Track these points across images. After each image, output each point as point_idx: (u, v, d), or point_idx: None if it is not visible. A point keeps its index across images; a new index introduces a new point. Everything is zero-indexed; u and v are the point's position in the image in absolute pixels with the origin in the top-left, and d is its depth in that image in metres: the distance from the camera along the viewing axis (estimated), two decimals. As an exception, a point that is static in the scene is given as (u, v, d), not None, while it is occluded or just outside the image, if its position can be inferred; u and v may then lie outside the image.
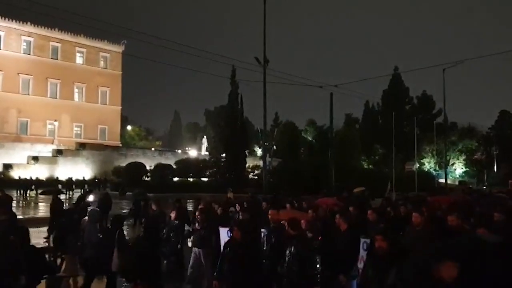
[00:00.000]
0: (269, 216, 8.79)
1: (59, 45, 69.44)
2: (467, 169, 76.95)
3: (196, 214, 10.40)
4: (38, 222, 18.67)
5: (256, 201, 15.12)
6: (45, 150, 58.79)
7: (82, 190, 39.25)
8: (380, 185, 35.29)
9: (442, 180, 59.89)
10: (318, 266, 6.85)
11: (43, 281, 7.39)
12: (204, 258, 9.48)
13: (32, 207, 30.77)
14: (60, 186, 45.14)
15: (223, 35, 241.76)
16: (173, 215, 10.67)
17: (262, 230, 8.94)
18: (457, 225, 7.55)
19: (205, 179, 53.76)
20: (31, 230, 18.62)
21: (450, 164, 71.73)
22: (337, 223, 8.32)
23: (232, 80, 52.21)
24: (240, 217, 10.37)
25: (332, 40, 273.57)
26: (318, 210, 11.14)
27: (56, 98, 68.77)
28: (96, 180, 50.18)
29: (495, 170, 78.38)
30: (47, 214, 19.42)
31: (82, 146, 61.41)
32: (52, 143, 62.13)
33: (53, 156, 57.48)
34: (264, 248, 8.31)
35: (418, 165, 68.06)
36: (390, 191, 22.41)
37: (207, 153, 70.60)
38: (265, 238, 8.52)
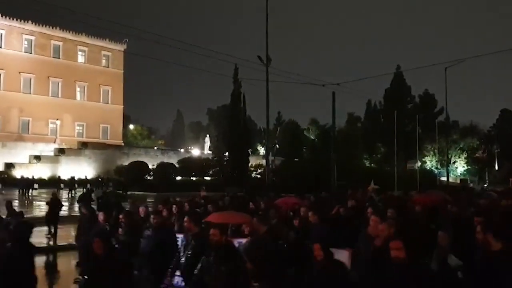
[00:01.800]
0: (185, 224, 7.64)
1: (60, 43, 69.41)
2: (469, 167, 77.08)
3: (120, 217, 9.05)
4: (40, 221, 18.68)
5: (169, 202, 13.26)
6: (47, 149, 58.74)
7: (84, 189, 39.29)
8: (382, 184, 35.34)
9: (444, 178, 60.02)
10: None
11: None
12: None
13: (34, 206, 30.79)
14: (62, 185, 45.30)
15: (225, 34, 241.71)
16: (101, 217, 9.51)
17: (179, 236, 8.15)
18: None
19: (208, 178, 53.81)
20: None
21: (451, 162, 71.82)
22: (255, 227, 7.63)
23: (235, 79, 52.29)
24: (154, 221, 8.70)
25: (334, 39, 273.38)
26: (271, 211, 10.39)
27: (58, 97, 68.74)
28: (100, 179, 50.22)
29: (496, 168, 78.53)
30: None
31: (84, 145, 61.35)
32: (54, 142, 62.09)
33: (55, 155, 57.45)
34: (182, 259, 7.27)
35: (419, 164, 68.20)
36: (373, 189, 21.73)
37: (209, 152, 70.69)
38: (182, 247, 7.47)
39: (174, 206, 11.12)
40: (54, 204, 18.59)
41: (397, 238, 4.90)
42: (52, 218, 18.11)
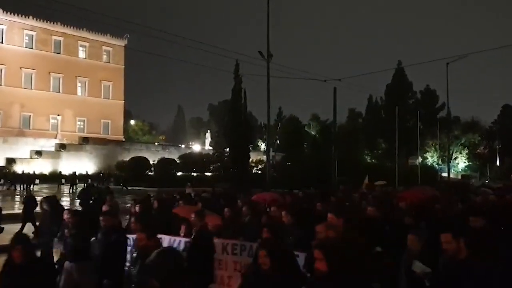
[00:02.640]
0: (132, 225, 6.95)
1: (61, 39, 69.37)
2: (470, 163, 77.01)
3: (66, 216, 8.13)
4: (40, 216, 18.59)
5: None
6: (48, 144, 58.83)
7: (85, 185, 39.28)
8: (383, 180, 35.35)
9: (445, 174, 59.99)
10: None
11: None
12: (78, 274, 7.20)
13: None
14: (63, 180, 45.37)
15: (226, 29, 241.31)
16: (66, 215, 8.40)
17: (130, 236, 7.49)
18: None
19: (209, 174, 53.84)
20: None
21: (453, 158, 71.75)
22: (193, 223, 7.30)
23: (236, 75, 52.11)
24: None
25: (335, 34, 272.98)
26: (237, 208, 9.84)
27: (59, 92, 68.79)
28: (101, 175, 50.30)
29: (498, 164, 78.47)
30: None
31: (85, 140, 61.47)
32: (55, 138, 62.22)
33: (56, 150, 57.54)
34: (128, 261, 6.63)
35: (421, 159, 68.18)
36: (366, 185, 21.04)
37: (210, 147, 70.75)
38: (129, 250, 6.93)
39: (138, 205, 9.99)
40: (28, 202, 18.22)
41: (318, 247, 4.15)
42: (26, 217, 17.73)
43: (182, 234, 7.33)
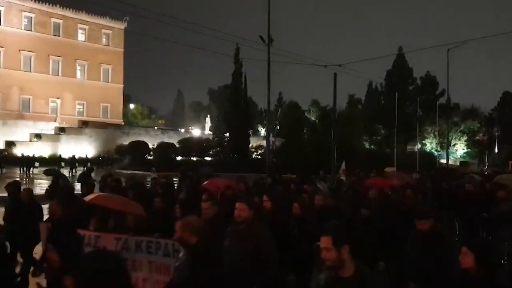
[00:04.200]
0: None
1: (60, 21, 68.87)
2: (469, 150, 77.14)
3: None
4: (40, 199, 18.63)
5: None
6: (48, 127, 58.79)
7: (84, 168, 39.34)
8: (382, 166, 35.52)
9: (444, 161, 60.14)
10: None
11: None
12: None
13: (35, 184, 30.89)
14: (63, 163, 45.45)
15: (227, 13, 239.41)
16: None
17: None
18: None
19: (209, 159, 53.89)
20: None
21: (451, 145, 71.83)
22: (51, 213, 6.55)
23: (236, 59, 51.91)
24: None
25: (336, 20, 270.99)
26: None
27: (58, 75, 68.51)
28: (100, 158, 50.36)
29: (496, 151, 78.62)
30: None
31: (84, 124, 61.41)
32: (55, 121, 62.13)
33: (56, 134, 57.56)
34: None
35: (420, 146, 68.27)
36: (344, 171, 20.40)
37: (210, 132, 70.73)
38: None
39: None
40: None
41: None
42: None
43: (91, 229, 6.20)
